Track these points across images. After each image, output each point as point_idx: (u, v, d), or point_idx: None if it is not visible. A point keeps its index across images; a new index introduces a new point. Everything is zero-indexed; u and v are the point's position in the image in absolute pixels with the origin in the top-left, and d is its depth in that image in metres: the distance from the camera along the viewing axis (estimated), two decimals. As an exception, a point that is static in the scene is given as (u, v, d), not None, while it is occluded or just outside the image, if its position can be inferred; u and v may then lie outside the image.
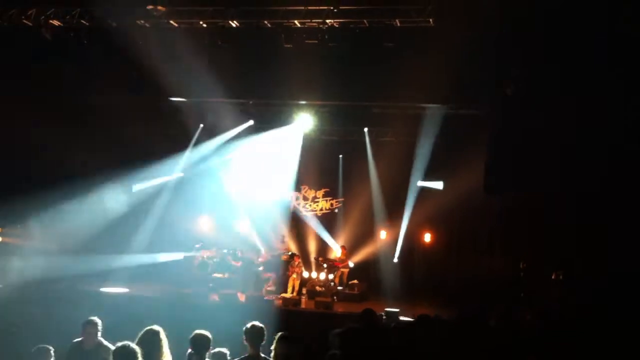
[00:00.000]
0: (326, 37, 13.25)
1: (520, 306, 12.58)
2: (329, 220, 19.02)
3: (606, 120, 12.20)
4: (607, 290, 11.86)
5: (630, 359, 4.73)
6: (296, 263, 16.46)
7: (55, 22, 14.08)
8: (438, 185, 17.19)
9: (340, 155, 18.80)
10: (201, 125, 18.70)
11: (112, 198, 17.43)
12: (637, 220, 12.66)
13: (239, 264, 16.68)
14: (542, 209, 14.91)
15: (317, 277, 17.35)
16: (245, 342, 6.01)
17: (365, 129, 17.86)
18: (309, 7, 13.00)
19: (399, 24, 12.79)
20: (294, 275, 16.24)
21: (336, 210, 19.10)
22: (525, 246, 15.08)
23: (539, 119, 13.73)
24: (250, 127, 18.73)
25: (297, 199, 19.45)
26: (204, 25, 13.77)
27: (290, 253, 17.10)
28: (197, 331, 6.11)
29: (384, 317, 12.05)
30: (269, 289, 16.22)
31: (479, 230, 16.85)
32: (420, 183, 17.56)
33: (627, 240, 12.89)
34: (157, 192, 18.73)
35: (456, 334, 5.84)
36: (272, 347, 5.63)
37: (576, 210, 14.13)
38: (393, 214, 17.91)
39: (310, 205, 19.39)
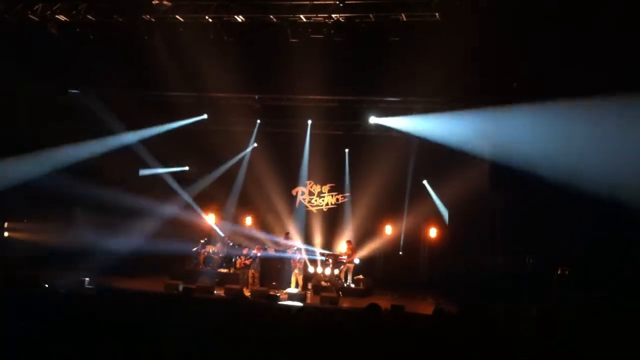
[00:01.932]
0: (332, 31, 13.21)
1: (526, 302, 12.53)
2: (334, 216, 19.01)
3: (607, 120, 12.21)
4: (607, 289, 11.85)
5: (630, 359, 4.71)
6: (298, 257, 16.45)
7: (61, 17, 14.08)
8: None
9: (347, 150, 18.76)
10: (205, 115, 18.76)
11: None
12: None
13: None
14: (545, 206, 14.87)
15: (323, 273, 17.34)
16: None
17: (372, 117, 17.73)
18: (315, 2, 12.95)
19: (405, 19, 12.73)
20: (296, 270, 16.26)
21: (343, 204, 19.07)
22: (529, 243, 15.01)
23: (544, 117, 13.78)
24: (256, 122, 18.84)
25: (302, 194, 19.44)
26: (210, 20, 13.74)
27: (295, 248, 17.13)
28: None
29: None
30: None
31: (483, 226, 16.76)
32: (425, 182, 17.60)
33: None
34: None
35: (460, 326, 5.85)
36: None
37: (578, 209, 14.11)
38: (398, 209, 17.91)
39: (316, 200, 19.39)
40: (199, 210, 19.14)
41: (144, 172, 18.68)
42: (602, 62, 11.73)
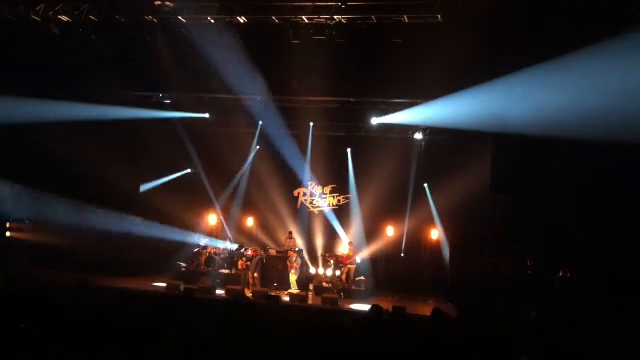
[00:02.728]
0: (334, 33, 13.21)
1: (526, 303, 12.54)
2: (336, 217, 18.98)
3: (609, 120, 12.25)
4: (608, 290, 11.86)
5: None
6: (294, 259, 16.46)
7: (64, 18, 14.10)
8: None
9: (349, 149, 18.73)
10: (207, 115, 18.80)
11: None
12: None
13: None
14: (547, 207, 14.87)
15: (324, 274, 17.35)
16: None
17: (374, 118, 17.69)
18: (317, 3, 12.96)
19: (407, 20, 12.74)
20: (293, 271, 16.30)
21: (346, 204, 19.02)
22: (531, 244, 15.01)
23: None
24: (259, 123, 18.87)
25: (304, 195, 19.43)
26: (212, 21, 13.76)
27: (297, 249, 17.13)
28: None
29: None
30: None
31: (484, 227, 16.75)
32: (426, 186, 17.62)
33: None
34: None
35: (460, 326, 5.86)
36: None
37: (581, 210, 14.11)
38: (400, 210, 17.88)
39: (318, 201, 19.37)
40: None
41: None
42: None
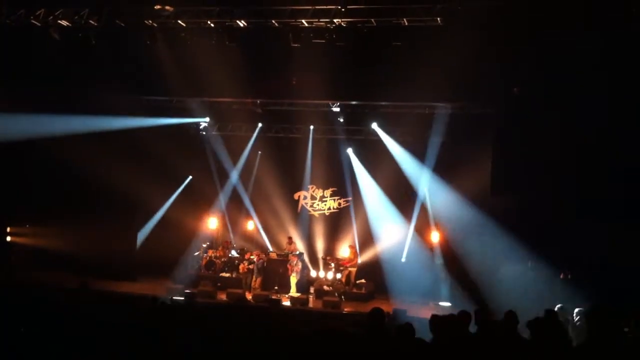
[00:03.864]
0: (334, 36, 13.20)
1: (526, 304, 12.53)
2: (337, 220, 18.99)
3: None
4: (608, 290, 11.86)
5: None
6: (294, 262, 16.48)
7: (64, 23, 14.11)
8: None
9: (349, 149, 18.70)
10: (207, 118, 18.81)
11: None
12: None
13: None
14: (547, 209, 14.86)
15: (325, 277, 17.34)
16: None
17: (374, 124, 17.70)
18: (317, 7, 12.96)
19: (406, 23, 12.75)
20: (294, 274, 16.31)
21: (346, 207, 19.00)
22: (531, 246, 14.98)
23: (545, 119, 13.86)
24: (258, 126, 18.87)
25: (304, 198, 19.44)
26: (212, 25, 13.77)
27: (298, 252, 17.13)
28: None
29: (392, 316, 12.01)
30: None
31: (484, 229, 16.71)
32: (426, 190, 17.59)
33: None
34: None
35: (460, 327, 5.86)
36: None
37: (581, 210, 14.12)
38: (401, 213, 17.85)
39: (318, 204, 19.37)
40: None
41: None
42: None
